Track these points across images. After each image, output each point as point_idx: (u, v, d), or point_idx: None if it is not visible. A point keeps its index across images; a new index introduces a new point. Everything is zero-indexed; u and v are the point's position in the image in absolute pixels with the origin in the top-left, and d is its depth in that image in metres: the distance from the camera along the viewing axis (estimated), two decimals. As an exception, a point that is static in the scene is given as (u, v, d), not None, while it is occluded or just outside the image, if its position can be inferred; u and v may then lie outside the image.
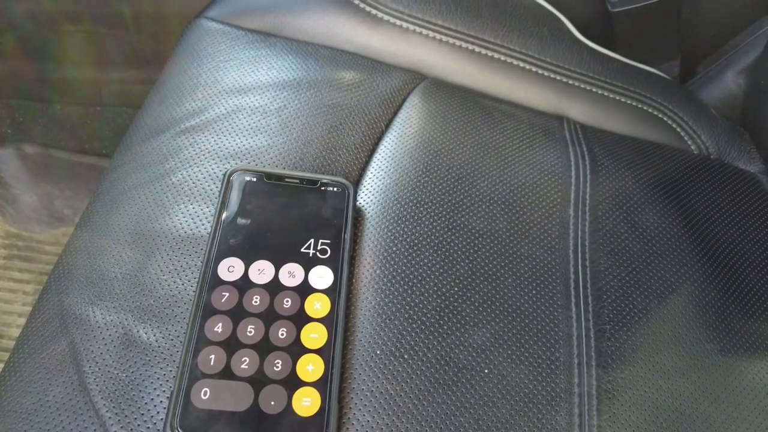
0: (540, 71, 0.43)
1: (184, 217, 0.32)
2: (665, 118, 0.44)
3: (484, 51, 0.43)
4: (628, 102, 0.44)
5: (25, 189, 0.76)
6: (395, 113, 0.39)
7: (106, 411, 0.26)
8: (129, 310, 0.29)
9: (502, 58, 0.43)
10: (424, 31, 0.42)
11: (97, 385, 0.27)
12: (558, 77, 0.43)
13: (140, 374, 0.27)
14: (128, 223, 0.33)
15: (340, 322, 0.28)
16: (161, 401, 0.26)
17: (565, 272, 0.34)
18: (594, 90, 0.44)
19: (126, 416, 0.26)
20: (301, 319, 0.28)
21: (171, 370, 0.27)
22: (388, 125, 0.38)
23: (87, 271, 0.31)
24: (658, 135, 0.45)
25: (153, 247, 0.31)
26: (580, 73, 0.44)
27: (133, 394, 0.27)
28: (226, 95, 0.38)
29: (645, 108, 0.45)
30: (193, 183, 0.33)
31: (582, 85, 0.44)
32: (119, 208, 0.34)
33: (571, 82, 0.44)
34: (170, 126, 0.37)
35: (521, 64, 0.43)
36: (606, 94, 0.44)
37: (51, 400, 0.27)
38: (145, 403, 0.26)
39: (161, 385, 0.27)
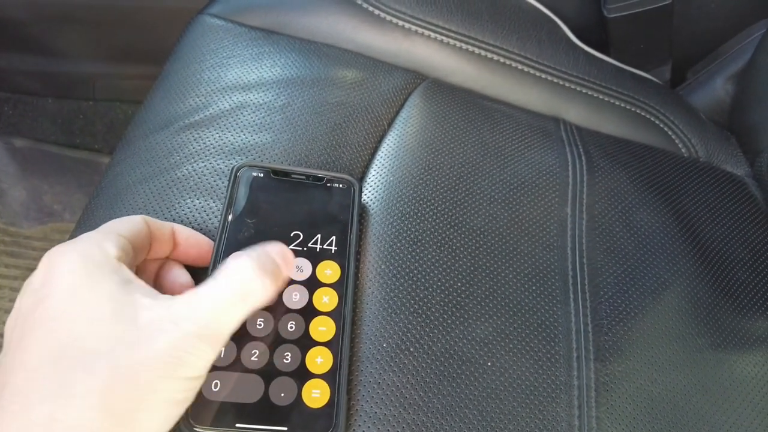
0: (537, 73, 0.44)
1: (190, 211, 0.32)
2: (657, 122, 0.46)
3: (483, 53, 0.43)
4: (622, 105, 0.46)
5: (13, 183, 0.75)
6: (397, 112, 0.40)
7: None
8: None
9: (501, 60, 0.44)
10: (426, 32, 0.43)
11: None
12: (555, 80, 0.44)
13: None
14: (133, 217, 0.33)
15: (347, 315, 0.29)
16: (171, 393, 0.26)
17: (564, 269, 0.35)
18: (589, 93, 0.45)
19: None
20: (309, 312, 0.28)
21: (180, 363, 0.27)
22: (390, 124, 0.39)
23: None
24: (650, 138, 0.46)
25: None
26: (576, 76, 0.45)
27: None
28: (229, 91, 0.38)
29: (638, 111, 0.46)
30: (199, 178, 0.34)
31: (578, 88, 0.45)
32: (123, 203, 0.34)
33: (567, 84, 0.45)
34: (174, 121, 0.37)
35: (519, 66, 0.44)
36: (601, 97, 0.45)
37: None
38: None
39: (170, 377, 0.27)
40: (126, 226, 0.26)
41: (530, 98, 0.44)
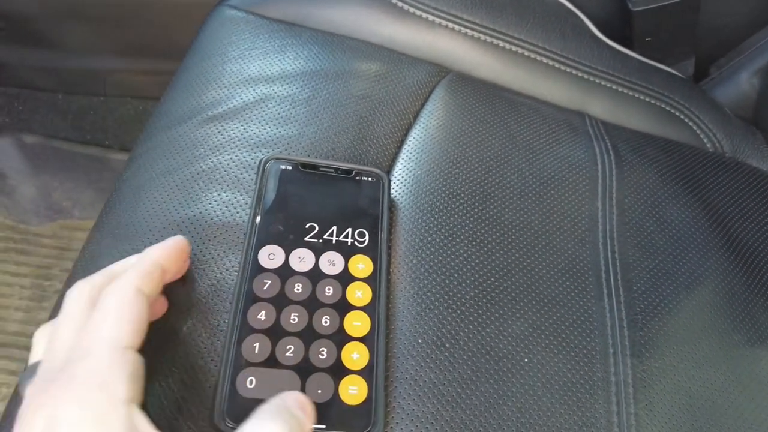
0: (562, 67, 0.44)
1: (217, 204, 0.31)
2: (682, 117, 0.45)
3: (508, 46, 0.43)
4: (647, 100, 0.45)
5: (22, 180, 0.74)
6: (422, 105, 0.39)
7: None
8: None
9: (526, 53, 0.43)
10: (450, 25, 0.42)
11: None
12: (579, 74, 0.44)
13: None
14: (158, 210, 0.32)
15: (382, 310, 0.28)
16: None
17: (596, 264, 0.34)
18: (614, 87, 0.45)
19: (167, 405, 0.25)
20: (343, 307, 0.27)
21: (212, 361, 0.27)
22: (415, 117, 0.38)
23: (116, 258, 0.31)
24: (675, 132, 0.45)
25: (186, 235, 0.30)
26: (600, 70, 0.44)
27: (174, 383, 0.26)
28: (253, 83, 0.37)
29: (663, 106, 0.45)
30: (225, 170, 0.33)
31: (602, 82, 0.44)
32: (147, 195, 0.33)
33: (592, 78, 0.44)
34: (196, 113, 0.36)
35: (544, 60, 0.43)
36: (625, 91, 0.45)
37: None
38: (187, 392, 0.26)
39: (204, 374, 0.26)
40: (152, 269, 0.24)
41: (555, 92, 0.44)
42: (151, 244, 0.30)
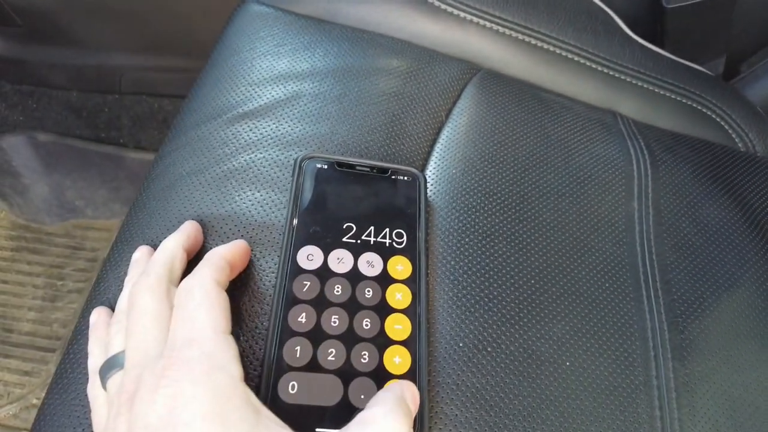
0: (593, 65, 0.43)
1: (251, 203, 0.31)
2: (714, 116, 0.44)
3: (539, 43, 0.42)
4: (678, 99, 0.44)
5: (35, 179, 0.74)
6: (454, 103, 0.38)
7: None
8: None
9: (557, 51, 0.42)
10: (481, 21, 0.41)
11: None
12: (611, 72, 0.43)
13: (218, 366, 0.26)
14: (189, 209, 0.31)
15: (422, 313, 0.27)
16: (242, 394, 0.25)
17: (634, 265, 0.33)
18: (645, 86, 0.44)
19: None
20: (383, 309, 0.27)
21: (252, 366, 0.26)
22: (447, 115, 0.38)
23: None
24: (706, 132, 0.45)
25: (220, 235, 0.30)
26: (631, 68, 0.44)
27: (212, 387, 0.25)
28: (283, 81, 0.37)
29: (694, 105, 0.44)
30: (258, 169, 0.32)
31: (633, 81, 0.44)
32: (177, 194, 0.32)
33: (623, 77, 0.43)
34: (226, 111, 0.36)
35: (576, 58, 0.43)
36: (656, 90, 0.44)
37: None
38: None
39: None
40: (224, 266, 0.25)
41: (585, 90, 0.43)
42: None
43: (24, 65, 0.67)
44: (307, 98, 0.36)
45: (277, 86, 0.36)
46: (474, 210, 0.32)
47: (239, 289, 0.28)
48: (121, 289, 0.29)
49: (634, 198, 0.36)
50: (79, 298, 0.71)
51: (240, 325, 0.27)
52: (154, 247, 0.30)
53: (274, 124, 0.34)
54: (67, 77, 0.68)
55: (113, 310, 0.29)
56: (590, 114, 0.41)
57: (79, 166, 0.73)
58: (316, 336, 0.25)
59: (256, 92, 0.36)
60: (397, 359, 0.26)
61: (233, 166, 0.33)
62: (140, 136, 0.70)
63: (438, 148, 0.36)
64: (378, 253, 0.28)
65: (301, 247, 0.28)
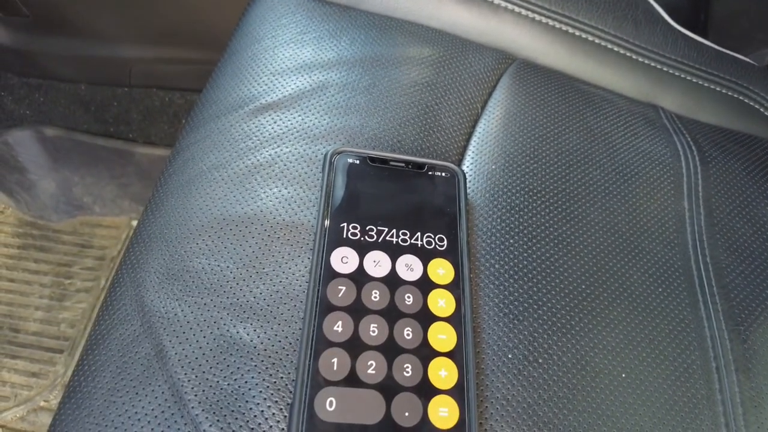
0: (634, 56, 0.40)
1: (278, 201, 0.29)
2: (762, 109, 0.42)
3: (577, 32, 0.40)
4: (723, 91, 0.42)
5: (42, 174, 0.72)
6: (490, 94, 0.36)
7: (210, 425, 0.23)
8: (224, 307, 0.26)
9: (596, 40, 0.40)
10: (516, 9, 0.39)
11: (195, 395, 0.23)
12: (652, 63, 0.41)
13: (245, 382, 0.24)
14: (211, 207, 0.29)
15: (468, 321, 0.25)
16: (273, 413, 0.23)
17: (688, 269, 0.31)
18: (688, 78, 0.41)
19: (233, 431, 0.23)
20: (426, 317, 0.25)
21: (282, 377, 0.24)
22: (483, 106, 0.35)
23: (167, 261, 0.28)
24: (753, 126, 0.42)
25: (245, 235, 0.28)
26: (674, 59, 0.41)
27: (239, 405, 0.23)
28: (308, 70, 0.34)
29: (740, 98, 0.42)
30: (284, 164, 0.30)
31: (676, 72, 0.41)
32: (198, 191, 0.30)
33: (665, 69, 0.41)
34: (248, 102, 0.33)
35: (615, 48, 0.40)
36: (700, 82, 0.41)
37: (141, 411, 0.23)
38: (254, 416, 0.23)
39: (272, 394, 0.23)
40: None
41: (625, 83, 0.40)
42: (207, 245, 0.28)
43: (31, 57, 0.65)
44: (334, 89, 0.33)
45: (302, 76, 0.34)
46: (517, 209, 0.30)
47: (269, 293, 0.26)
48: (139, 293, 0.27)
49: (684, 197, 0.34)
50: (88, 297, 0.69)
51: (267, 332, 0.25)
52: (174, 248, 0.28)
53: (299, 116, 0.32)
54: (75, 69, 0.66)
55: (130, 316, 0.26)
56: (632, 107, 0.38)
57: (87, 162, 0.71)
58: (354, 346, 0.23)
59: (279, 82, 0.34)
60: (443, 372, 0.23)
61: (257, 160, 0.30)
62: (150, 130, 0.68)
63: (474, 141, 0.33)
64: (417, 256, 0.26)
65: (335, 248, 0.25)
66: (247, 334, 0.25)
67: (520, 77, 0.37)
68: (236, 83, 0.35)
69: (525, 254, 0.28)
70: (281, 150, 0.31)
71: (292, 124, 0.32)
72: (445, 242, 0.27)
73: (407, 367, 0.23)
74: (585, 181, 0.32)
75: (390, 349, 0.23)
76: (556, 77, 0.38)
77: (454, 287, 0.26)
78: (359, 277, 0.25)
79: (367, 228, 0.26)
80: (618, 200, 0.32)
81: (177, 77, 0.64)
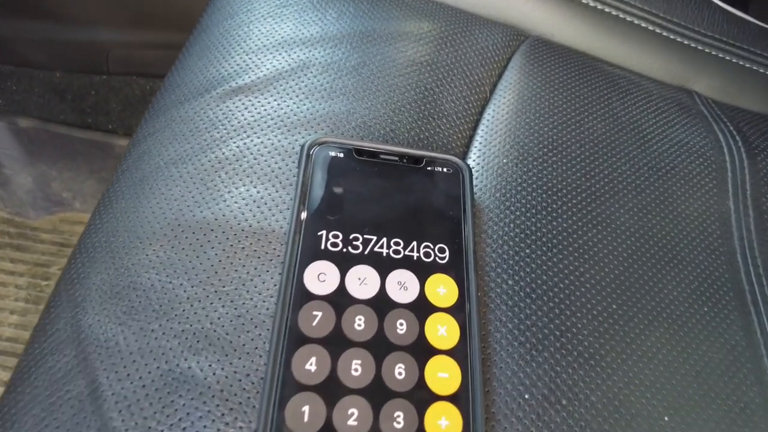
0: (665, 33, 0.35)
1: (245, 203, 0.24)
2: (811, 94, 0.37)
3: (599, 5, 0.34)
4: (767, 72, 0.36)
5: (18, 169, 0.67)
6: (499, 76, 0.31)
7: (150, 483, 0.18)
8: (175, 334, 0.21)
9: (621, 15, 0.35)
10: (530, -23, 0.34)
11: (134, 444, 0.19)
12: (686, 41, 0.35)
13: (196, 430, 0.19)
14: (166, 210, 0.24)
15: (475, 354, 0.20)
16: (229, 469, 0.18)
17: (737, 282, 0.26)
18: (727, 58, 0.36)
19: (179, 491, 0.18)
20: (422, 350, 0.20)
21: (241, 426, 0.19)
22: (492, 90, 0.30)
23: (112, 276, 0.23)
24: (800, 114, 0.37)
25: (203, 245, 0.23)
26: (711, 36, 0.36)
27: (188, 458, 0.18)
28: (287, 48, 0.29)
29: (786, 80, 0.37)
30: (254, 158, 0.25)
31: (713, 52, 0.36)
32: (153, 190, 0.25)
33: (700, 47, 0.36)
34: (217, 85, 0.28)
35: (643, 24, 0.35)
36: (741, 62, 0.36)
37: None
38: (207, 472, 0.18)
39: (229, 445, 0.19)
40: None
41: (654, 63, 0.35)
42: (159, 257, 0.23)
43: (2, 43, 0.60)
44: (316, 69, 0.28)
45: (280, 54, 0.29)
46: (533, 211, 0.25)
47: (230, 318, 0.21)
48: (76, 315, 0.22)
49: (729, 196, 0.29)
50: (66, 300, 0.64)
51: (225, 367, 0.20)
52: (120, 259, 0.23)
53: (275, 100, 0.27)
54: (49, 55, 0.61)
55: (64, 344, 0.22)
56: (663, 92, 0.33)
57: (65, 155, 0.66)
58: (332, 391, 0.18)
59: (253, 62, 0.29)
60: (444, 422, 0.18)
61: (223, 154, 0.25)
62: (131, 121, 0.63)
63: (482, 130, 0.28)
64: (412, 271, 0.21)
65: (310, 263, 0.21)
66: (201, 370, 0.20)
67: (533, 56, 0.32)
68: (204, 64, 0.30)
69: (544, 267, 0.23)
70: (252, 141, 0.26)
71: (266, 110, 0.27)
72: (447, 254, 0.22)
73: (398, 416, 0.18)
74: (613, 177, 0.27)
75: (377, 394, 0.19)
76: (575, 57, 0.33)
77: (457, 311, 0.21)
78: (340, 300, 0.20)
79: (351, 237, 0.22)
80: (651, 200, 0.27)
81: (158, 63, 0.59)
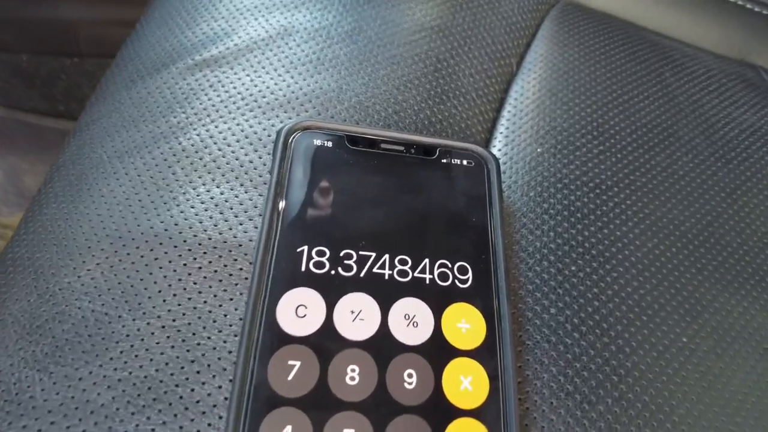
0: (721, -6, 0.30)
1: (204, 207, 0.18)
2: None
3: (644, -40, 0.29)
4: (840, 43, 0.31)
5: (-15, 161, 0.62)
6: (528, 45, 0.25)
7: None
8: (109, 385, 0.16)
9: (670, -28, 0.29)
10: (561, -74, 0.28)
11: None
12: (748, 4, 0.30)
13: None
14: (106, 217, 0.19)
15: (512, 415, 0.15)
16: None
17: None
18: (793, 25, 0.30)
19: None
20: (440, 412, 0.14)
21: None
22: (519, 62, 0.24)
23: (33, 305, 0.18)
24: None
25: (150, 264, 0.17)
26: (775, -1, 0.30)
27: None
28: (264, 12, 0.24)
29: None
30: (218, 149, 0.20)
31: (777, 18, 0.30)
32: (91, 191, 0.20)
33: (765, 12, 0.30)
34: (177, 58, 0.23)
35: (696, -17, 0.29)
36: (809, 31, 0.30)
37: None
38: None
39: None
40: None
41: (709, 33, 0.30)
42: (94, 280, 0.17)
43: (-36, 23, 0.55)
44: (300, 36, 0.23)
45: (256, 20, 0.23)
46: (579, 215, 0.20)
47: (180, 364, 0.16)
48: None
49: (813, 192, 0.23)
50: (40, 304, 0.60)
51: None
52: (46, 282, 0.18)
53: (248, 76, 0.22)
54: (13, 35, 0.56)
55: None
56: (724, 66, 0.27)
57: (37, 146, 0.61)
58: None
59: (223, 29, 0.23)
60: None
61: (181, 144, 0.20)
62: (106, 108, 0.58)
63: (508, 112, 0.23)
64: (424, 300, 0.16)
65: (286, 291, 0.15)
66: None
67: (567, 23, 0.26)
68: (163, 33, 0.24)
69: (594, 290, 0.18)
70: (217, 127, 0.20)
71: (236, 88, 0.21)
72: (470, 275, 0.17)
73: None
74: (672, 172, 0.21)
75: (377, 476, 0.13)
76: (615, 24, 0.27)
77: (486, 354, 0.15)
78: (326, 343, 0.15)
79: (342, 254, 0.16)
80: (722, 197, 0.21)
81: (134, 43, 0.53)
